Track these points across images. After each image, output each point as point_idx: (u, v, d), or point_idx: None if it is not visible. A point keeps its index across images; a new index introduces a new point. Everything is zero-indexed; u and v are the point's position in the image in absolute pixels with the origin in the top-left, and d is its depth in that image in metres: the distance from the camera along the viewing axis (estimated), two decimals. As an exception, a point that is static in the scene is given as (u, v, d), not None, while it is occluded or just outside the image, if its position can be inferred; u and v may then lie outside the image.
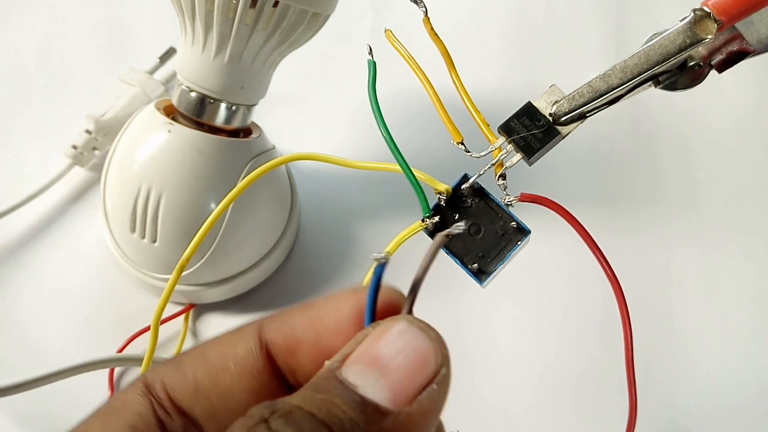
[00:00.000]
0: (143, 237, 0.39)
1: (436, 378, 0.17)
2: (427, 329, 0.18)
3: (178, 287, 0.41)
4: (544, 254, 0.44)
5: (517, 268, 0.36)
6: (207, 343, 0.21)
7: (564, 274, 0.44)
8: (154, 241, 0.39)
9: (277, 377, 0.21)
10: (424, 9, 0.24)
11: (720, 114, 0.51)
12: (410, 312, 0.20)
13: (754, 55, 0.21)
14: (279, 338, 0.21)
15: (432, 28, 0.24)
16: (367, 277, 0.20)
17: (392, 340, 0.18)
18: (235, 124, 0.39)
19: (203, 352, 0.21)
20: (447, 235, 0.20)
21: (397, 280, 0.45)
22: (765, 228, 0.47)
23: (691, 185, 0.48)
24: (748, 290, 0.44)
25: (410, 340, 0.18)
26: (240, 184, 0.25)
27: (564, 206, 0.21)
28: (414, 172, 0.21)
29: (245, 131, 0.40)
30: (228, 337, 0.21)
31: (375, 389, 0.17)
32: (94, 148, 0.47)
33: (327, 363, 0.18)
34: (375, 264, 0.19)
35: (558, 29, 0.55)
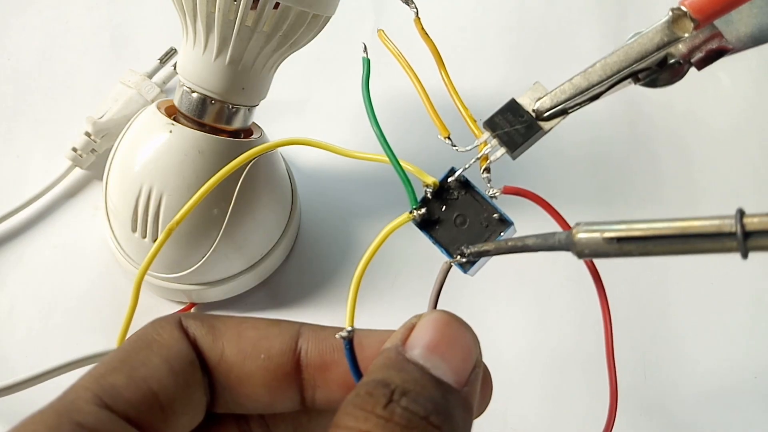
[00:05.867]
0: (144, 237, 0.39)
1: (477, 363, 0.21)
2: (466, 324, 0.21)
3: (178, 286, 0.42)
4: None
5: (512, 264, 0.36)
6: (245, 321, 0.23)
7: (561, 270, 0.45)
8: (155, 241, 0.39)
9: (293, 386, 0.22)
10: (415, 9, 0.25)
11: (717, 114, 0.51)
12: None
13: (732, 53, 0.21)
14: (315, 351, 0.22)
15: (423, 28, 0.25)
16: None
17: (441, 330, 0.20)
18: (236, 124, 0.39)
19: (239, 329, 0.22)
20: (450, 264, 0.23)
21: (391, 266, 0.45)
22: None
23: (689, 185, 0.49)
24: (745, 290, 0.45)
25: (457, 331, 0.21)
26: (233, 162, 0.26)
27: (546, 199, 0.21)
28: (402, 164, 0.22)
29: (246, 132, 0.41)
30: (266, 327, 0.23)
31: (442, 371, 0.19)
32: (93, 150, 0.47)
33: (386, 345, 0.20)
34: (343, 341, 0.21)
35: (557, 30, 0.55)
